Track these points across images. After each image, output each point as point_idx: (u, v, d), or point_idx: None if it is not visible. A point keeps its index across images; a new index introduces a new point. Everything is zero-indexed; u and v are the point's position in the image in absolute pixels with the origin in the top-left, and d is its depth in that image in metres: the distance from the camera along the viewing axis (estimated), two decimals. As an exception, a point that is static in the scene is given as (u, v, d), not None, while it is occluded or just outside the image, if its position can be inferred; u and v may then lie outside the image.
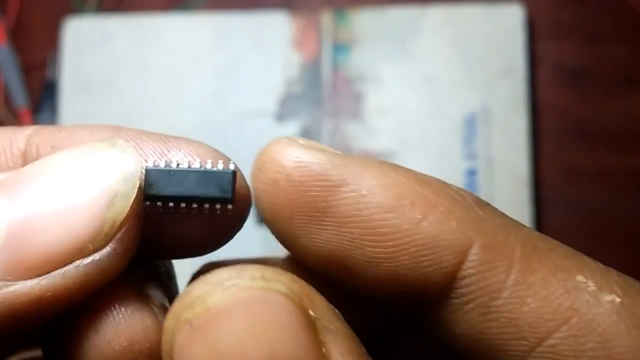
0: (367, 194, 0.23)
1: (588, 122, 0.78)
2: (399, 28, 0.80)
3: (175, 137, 0.27)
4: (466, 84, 0.78)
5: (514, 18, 0.78)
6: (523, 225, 0.24)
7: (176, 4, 0.86)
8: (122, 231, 0.23)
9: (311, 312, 0.21)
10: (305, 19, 0.82)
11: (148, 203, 0.25)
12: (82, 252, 0.22)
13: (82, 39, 0.83)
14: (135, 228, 0.24)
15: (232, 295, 0.21)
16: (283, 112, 0.80)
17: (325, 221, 0.23)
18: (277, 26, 0.82)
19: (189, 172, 0.24)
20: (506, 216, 0.24)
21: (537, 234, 0.24)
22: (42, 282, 0.22)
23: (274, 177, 0.24)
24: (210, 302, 0.21)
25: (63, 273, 0.22)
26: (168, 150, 0.26)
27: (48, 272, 0.22)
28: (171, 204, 0.25)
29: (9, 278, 0.22)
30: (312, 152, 0.24)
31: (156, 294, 0.25)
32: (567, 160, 0.79)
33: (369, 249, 0.23)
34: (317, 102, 0.80)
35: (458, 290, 0.23)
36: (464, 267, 0.23)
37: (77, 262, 0.22)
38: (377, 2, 0.82)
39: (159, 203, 0.25)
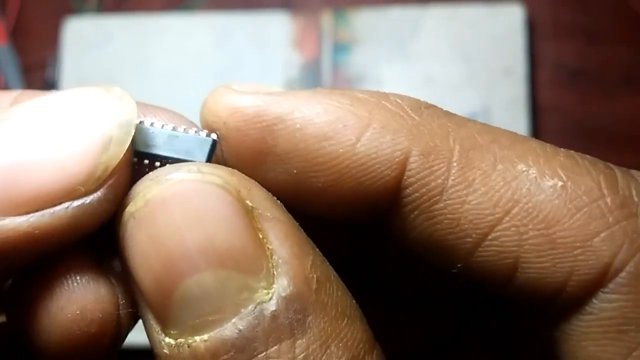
0: (301, 127, 0.23)
1: (588, 122, 0.78)
2: (399, 28, 0.80)
3: (153, 105, 0.27)
4: (466, 84, 0.78)
5: (514, 18, 0.78)
6: (467, 121, 0.24)
7: (176, 4, 0.86)
8: (114, 178, 0.23)
9: (248, 202, 0.22)
10: (305, 19, 0.82)
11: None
12: (73, 193, 0.23)
13: (82, 39, 0.83)
14: (127, 176, 0.24)
15: (169, 187, 0.22)
16: (283, 112, 0.80)
17: (268, 161, 0.24)
18: (277, 26, 0.82)
19: (170, 135, 0.25)
20: (447, 115, 0.24)
21: (481, 127, 0.24)
22: (31, 219, 0.22)
23: (214, 127, 0.25)
24: (149, 195, 0.22)
25: (52, 212, 0.22)
26: (144, 115, 0.26)
27: (38, 210, 0.22)
28: (146, 161, 0.25)
29: None
30: (246, 96, 0.24)
31: (118, 266, 0.25)
32: (567, 160, 0.79)
33: (313, 179, 0.24)
34: (317, 102, 0.80)
35: (403, 200, 0.23)
36: (405, 177, 0.23)
37: (67, 204, 0.22)
38: (377, 2, 0.82)
39: (135, 159, 0.25)
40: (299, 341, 0.21)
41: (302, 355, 0.21)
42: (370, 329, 0.23)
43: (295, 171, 0.24)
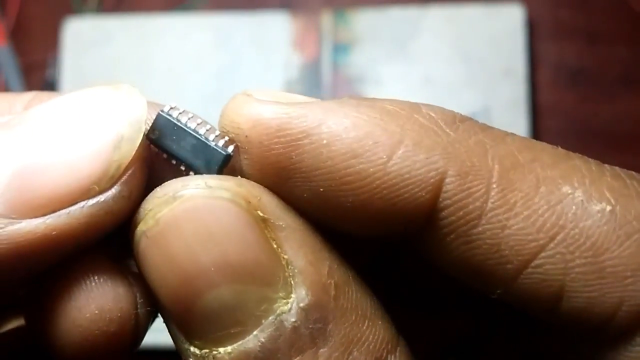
0: (328, 143, 0.22)
1: (588, 122, 0.78)
2: (399, 28, 0.80)
3: (158, 104, 0.26)
4: (466, 84, 0.78)
5: (514, 18, 0.78)
6: (506, 136, 0.23)
7: (176, 4, 0.86)
8: (127, 174, 0.23)
9: (260, 213, 0.22)
10: (305, 19, 0.82)
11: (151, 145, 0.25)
12: (87, 193, 0.22)
13: (82, 39, 0.83)
14: (141, 172, 0.24)
15: (178, 205, 0.22)
16: (283, 112, 0.80)
17: (293, 178, 0.23)
18: (277, 26, 0.82)
19: (190, 134, 0.24)
20: (484, 130, 0.23)
21: (521, 143, 0.22)
22: (48, 220, 0.22)
23: (235, 140, 0.24)
24: (159, 215, 0.22)
25: (68, 212, 0.22)
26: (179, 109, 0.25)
27: (54, 212, 0.22)
28: (164, 155, 0.25)
29: (14, 216, 0.22)
30: (269, 107, 0.23)
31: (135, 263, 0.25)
32: (567, 160, 0.79)
33: (341, 199, 0.22)
34: (317, 102, 0.80)
35: (438, 222, 0.22)
36: (441, 199, 0.22)
37: (83, 203, 0.22)
38: (377, 2, 0.82)
39: (155, 149, 0.25)
40: (322, 350, 0.21)
41: None
42: (393, 325, 0.23)
43: (321, 189, 0.22)
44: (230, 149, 0.24)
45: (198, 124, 0.24)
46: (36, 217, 0.22)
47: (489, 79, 0.77)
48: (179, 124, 0.24)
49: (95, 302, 0.23)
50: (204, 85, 0.81)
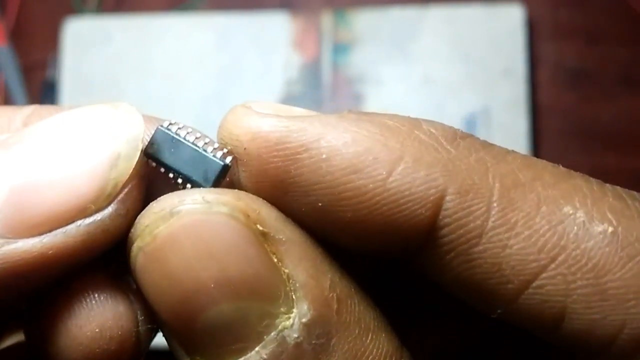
0: (327, 157, 0.22)
1: (588, 122, 0.78)
2: (399, 28, 0.80)
3: (157, 119, 0.26)
4: (466, 84, 0.78)
5: (514, 18, 0.78)
6: (507, 154, 0.22)
7: (176, 4, 0.86)
8: (124, 192, 0.23)
9: (259, 227, 0.21)
10: (305, 19, 0.82)
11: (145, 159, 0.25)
12: (84, 211, 0.22)
13: (82, 40, 0.83)
14: (138, 189, 0.24)
15: (176, 221, 0.21)
16: (283, 112, 0.80)
17: (292, 192, 0.23)
18: (277, 26, 0.82)
19: (187, 147, 0.24)
20: (485, 147, 0.23)
21: (522, 161, 0.22)
22: (44, 240, 0.22)
23: (233, 152, 0.24)
24: (156, 231, 0.22)
25: (65, 232, 0.22)
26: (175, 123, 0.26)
27: (50, 231, 0.22)
28: (162, 170, 0.25)
29: (10, 236, 0.22)
30: (268, 120, 0.23)
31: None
32: (567, 160, 0.79)
33: (340, 214, 0.22)
34: (317, 103, 0.80)
35: (438, 240, 0.22)
36: (441, 217, 0.22)
37: (79, 222, 0.22)
38: (377, 2, 0.82)
39: (153, 163, 0.25)
40: None
41: None
42: (396, 337, 0.22)
43: (320, 204, 0.22)
44: (229, 159, 0.24)
45: (197, 138, 0.24)
46: (32, 236, 0.22)
47: (488, 79, 0.77)
48: (177, 137, 0.24)
49: (96, 320, 0.23)
50: (204, 85, 0.81)
